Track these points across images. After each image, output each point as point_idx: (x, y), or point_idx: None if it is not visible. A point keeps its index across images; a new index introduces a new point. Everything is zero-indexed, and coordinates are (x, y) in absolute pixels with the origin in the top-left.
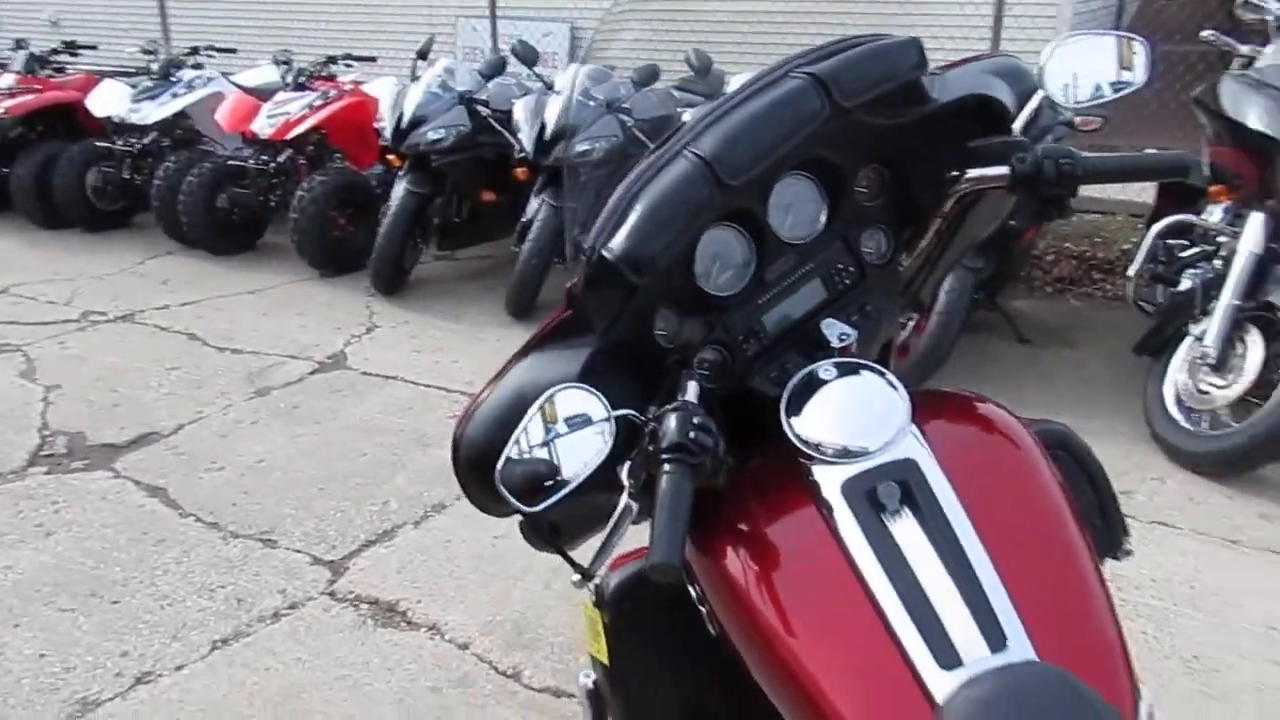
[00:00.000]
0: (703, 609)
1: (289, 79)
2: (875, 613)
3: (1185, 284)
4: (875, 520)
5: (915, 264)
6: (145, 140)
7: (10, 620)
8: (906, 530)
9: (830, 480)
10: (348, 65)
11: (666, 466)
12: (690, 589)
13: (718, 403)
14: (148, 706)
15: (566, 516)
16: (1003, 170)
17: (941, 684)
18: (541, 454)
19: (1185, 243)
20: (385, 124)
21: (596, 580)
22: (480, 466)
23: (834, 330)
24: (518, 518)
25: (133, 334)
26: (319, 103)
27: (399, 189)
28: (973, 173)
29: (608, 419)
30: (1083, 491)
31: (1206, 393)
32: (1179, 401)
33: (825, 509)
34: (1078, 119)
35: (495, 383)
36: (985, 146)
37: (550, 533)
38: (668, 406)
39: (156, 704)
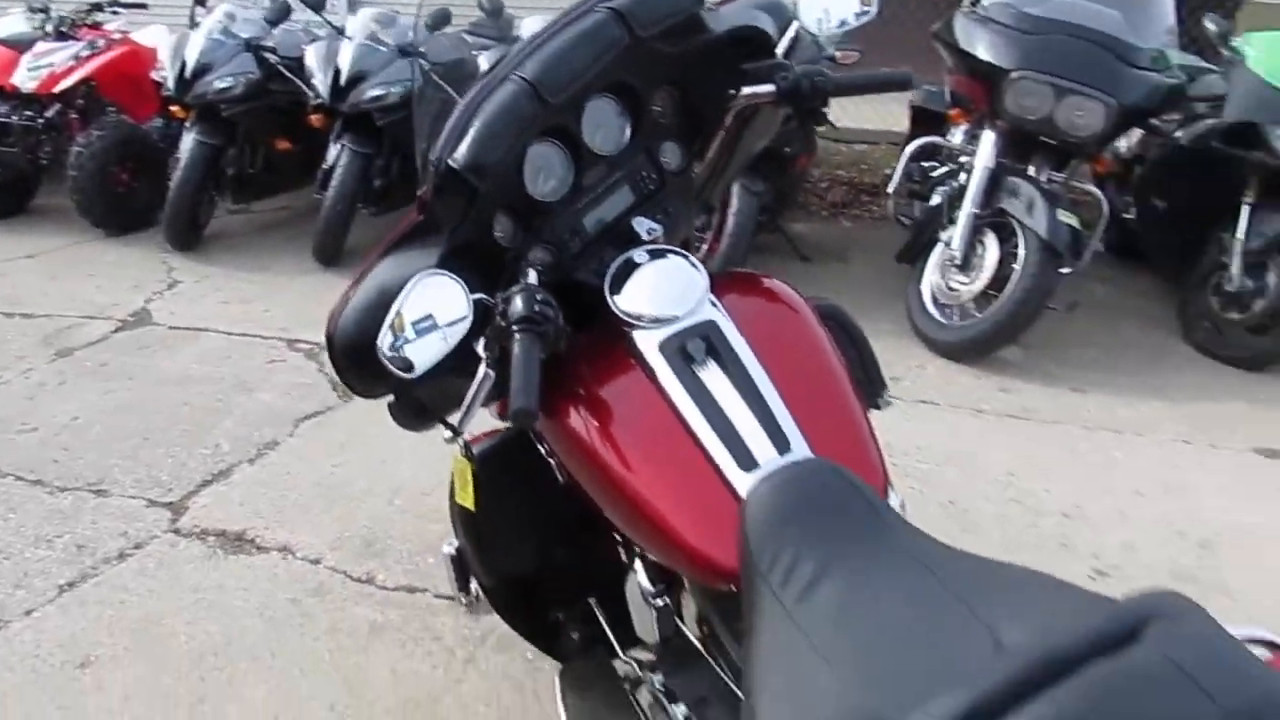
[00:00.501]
0: (552, 461)
1: (49, 28)
2: (690, 437)
3: (935, 199)
4: (686, 369)
5: (705, 172)
6: None
7: None
8: (711, 374)
9: (648, 342)
10: (114, 12)
11: (517, 335)
12: (540, 446)
13: (551, 292)
14: (3, 650)
15: (432, 397)
16: (769, 87)
17: (743, 482)
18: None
19: (936, 164)
20: (166, 74)
21: (465, 436)
22: (355, 355)
23: (643, 226)
24: (386, 404)
25: None
26: (87, 53)
27: (188, 140)
28: (746, 90)
29: (465, 300)
30: (849, 351)
31: (955, 290)
32: (934, 299)
33: (645, 365)
34: (838, 54)
35: (357, 284)
36: (755, 69)
37: (419, 411)
38: (513, 288)
39: (11, 647)
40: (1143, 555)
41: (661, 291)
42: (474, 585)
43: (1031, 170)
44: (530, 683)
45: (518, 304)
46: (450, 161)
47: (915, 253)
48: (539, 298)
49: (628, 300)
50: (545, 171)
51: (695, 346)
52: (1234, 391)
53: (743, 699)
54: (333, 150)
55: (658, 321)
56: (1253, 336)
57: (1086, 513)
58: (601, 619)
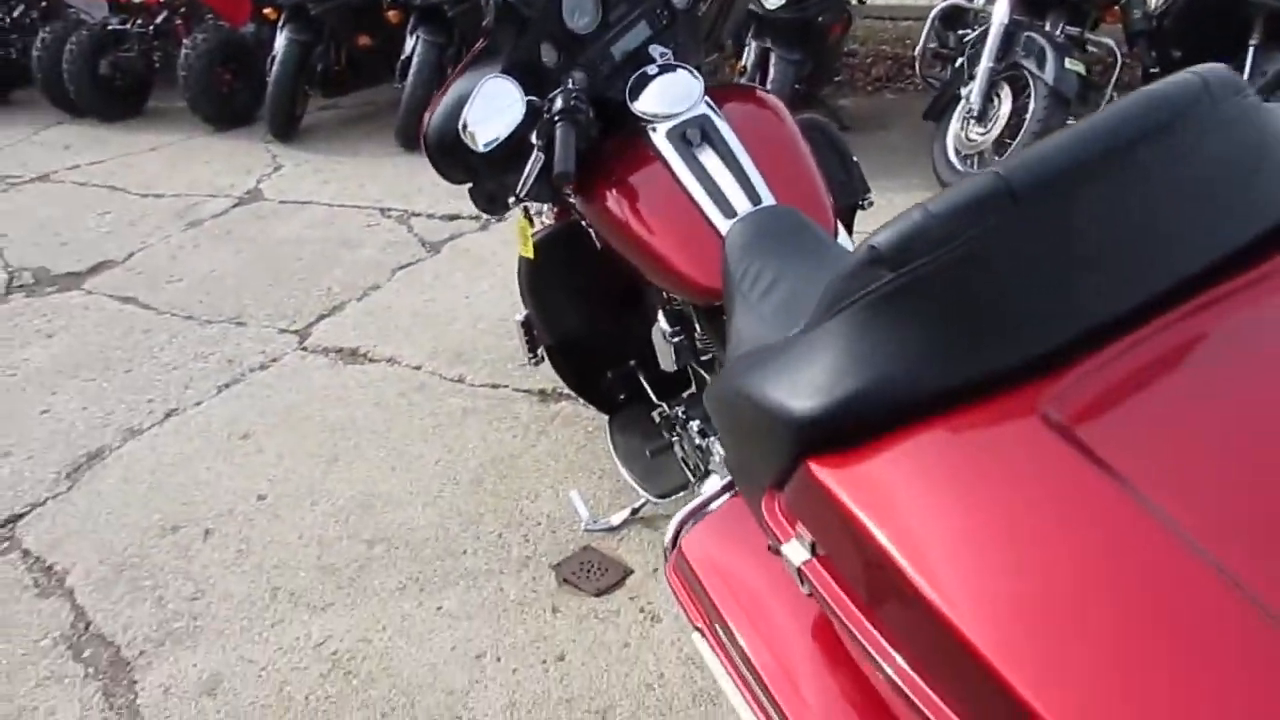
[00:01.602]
0: (591, 231)
1: None
2: (687, 197)
3: (960, 59)
4: (687, 150)
5: (712, 10)
6: (12, 15)
7: (47, 390)
8: (704, 154)
9: (659, 133)
10: None
11: (559, 122)
12: (582, 222)
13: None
14: (181, 430)
15: (500, 184)
16: None
17: (725, 225)
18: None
19: (967, 31)
20: None
21: (524, 204)
22: (441, 144)
23: (657, 51)
24: (468, 190)
25: (54, 191)
26: None
27: (281, 39)
28: None
29: (520, 97)
30: (830, 157)
31: (973, 140)
32: (956, 151)
33: (655, 150)
34: None
35: (441, 95)
36: None
37: (492, 196)
38: (555, 91)
39: (187, 427)
40: None
41: (667, 94)
42: (540, 351)
43: (1047, 25)
44: (590, 444)
45: (558, 101)
46: None
47: (939, 109)
48: (575, 97)
49: (642, 103)
50: (579, 9)
51: (692, 134)
52: None
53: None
54: (409, 42)
55: (664, 116)
56: None
57: None
58: (641, 378)
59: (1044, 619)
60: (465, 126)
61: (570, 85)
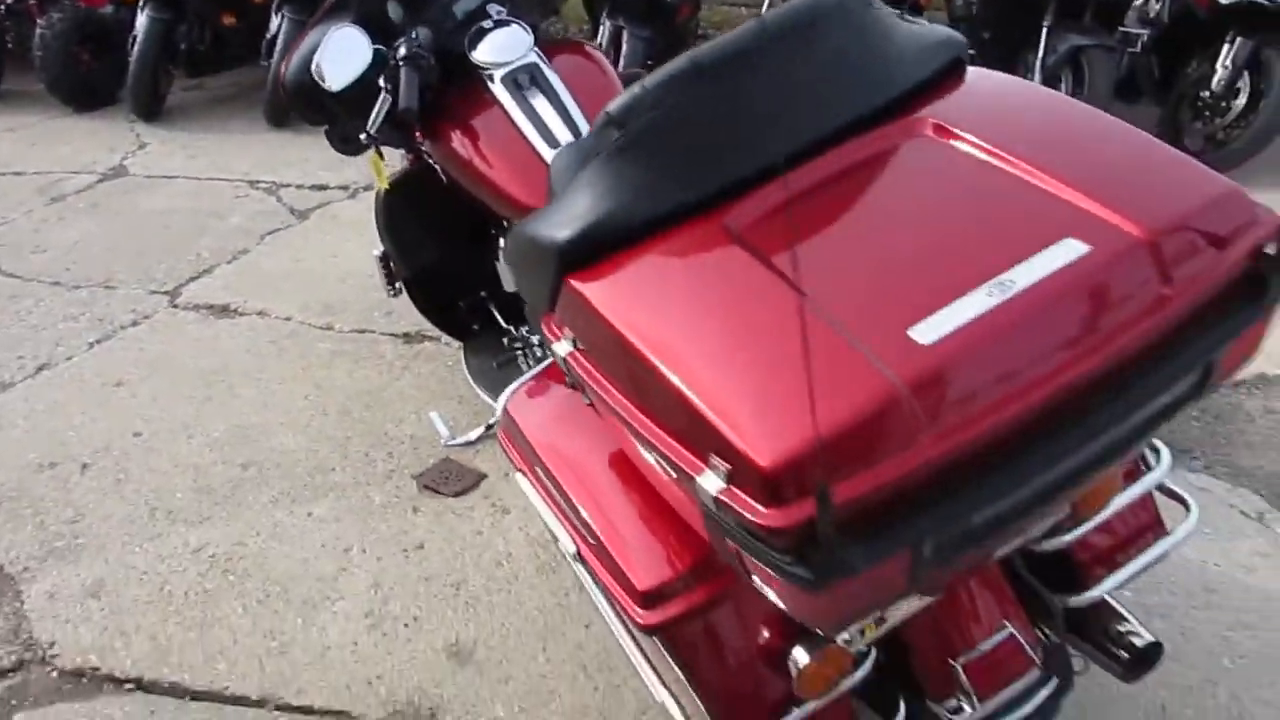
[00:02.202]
0: (437, 167)
1: None
2: (517, 131)
3: None
4: (518, 92)
5: None
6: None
7: None
8: (533, 95)
9: (495, 80)
10: None
11: (403, 67)
12: (430, 161)
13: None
14: (53, 381)
15: (351, 128)
16: None
17: (549, 154)
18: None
19: None
20: None
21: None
22: (298, 89)
23: (493, 9)
24: (324, 133)
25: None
26: None
27: (143, 18)
28: None
29: (367, 44)
30: None
31: None
32: None
33: (490, 94)
34: None
35: (296, 45)
36: None
37: (345, 138)
38: (399, 40)
39: (60, 379)
40: None
41: (501, 45)
42: (398, 284)
43: None
44: (450, 376)
45: (402, 49)
46: None
47: None
48: (418, 45)
49: (480, 53)
50: None
51: (523, 79)
52: None
53: None
54: (274, 21)
55: (498, 65)
56: None
57: None
58: (491, 306)
59: (707, 359)
60: (318, 69)
61: (414, 36)
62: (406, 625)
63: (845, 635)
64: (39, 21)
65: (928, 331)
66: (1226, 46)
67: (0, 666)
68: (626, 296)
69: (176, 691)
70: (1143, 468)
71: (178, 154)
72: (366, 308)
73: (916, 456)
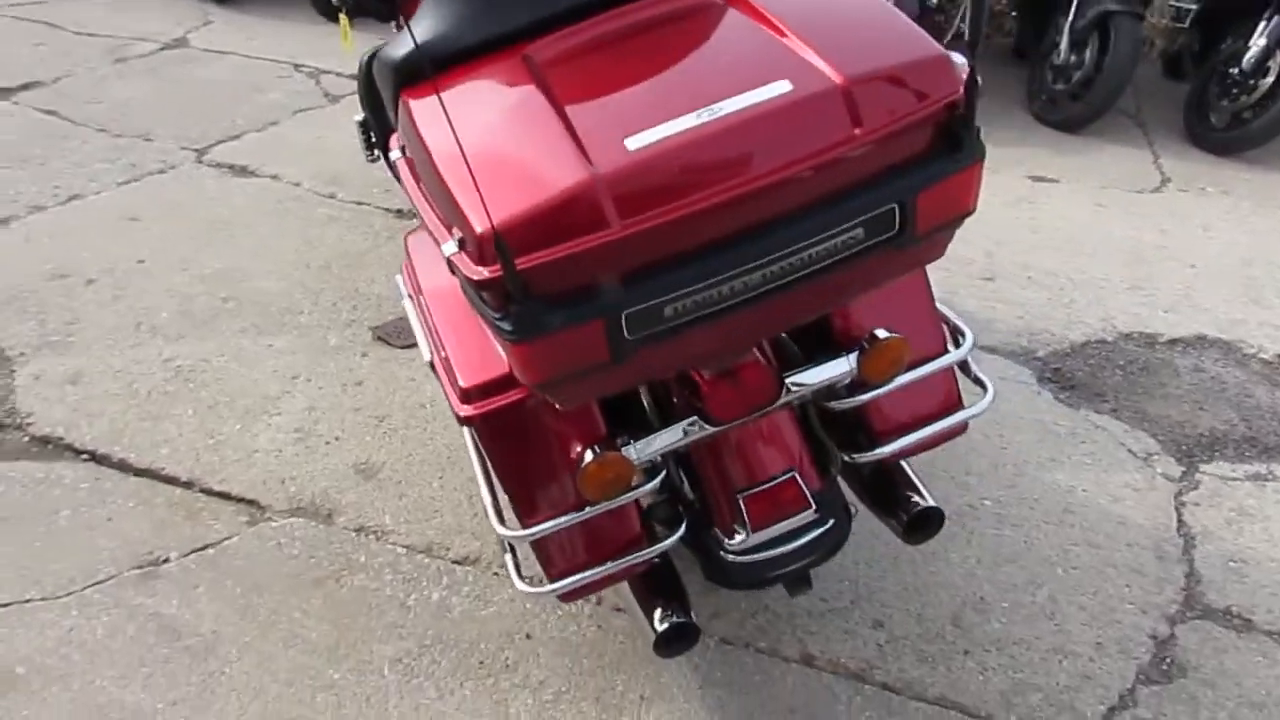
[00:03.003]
0: None
1: None
2: None
3: None
4: None
5: None
6: None
7: None
8: None
9: None
10: None
11: None
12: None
13: None
14: (80, 210)
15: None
16: None
17: None
18: None
19: None
20: None
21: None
22: None
23: None
24: None
25: None
26: None
27: None
28: None
29: None
30: None
31: None
32: None
33: None
34: None
35: None
36: None
37: (325, 7)
38: None
39: (86, 208)
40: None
41: None
42: (376, 151)
43: None
44: None
45: None
46: None
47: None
48: None
49: None
50: None
51: None
52: (1037, 139)
53: None
54: None
55: None
56: (1071, 103)
57: None
58: None
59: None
60: None
61: None
62: (328, 443)
63: (631, 449)
64: None
65: (638, 141)
66: (1263, 23)
67: None
68: (433, 109)
69: (123, 467)
70: (949, 349)
71: (236, 34)
72: (368, 184)
73: (605, 238)
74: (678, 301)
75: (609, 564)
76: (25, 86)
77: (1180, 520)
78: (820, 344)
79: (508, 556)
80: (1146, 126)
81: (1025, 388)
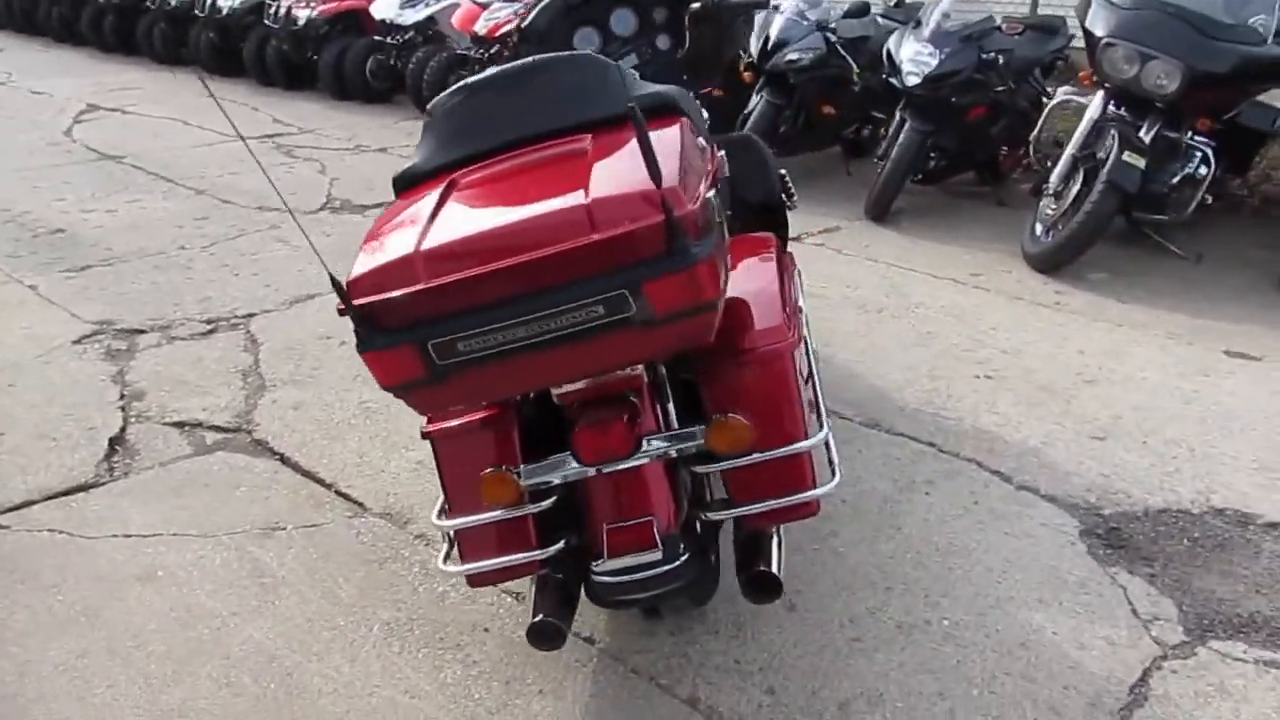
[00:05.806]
0: None
1: None
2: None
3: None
4: None
5: (685, 57)
6: (406, 37)
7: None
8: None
9: None
10: None
11: None
12: None
13: None
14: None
15: None
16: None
17: None
18: None
19: None
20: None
21: None
22: None
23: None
24: None
25: (384, 159)
26: (521, 9)
27: (758, 101)
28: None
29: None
30: (759, 167)
31: (1049, 214)
32: (1040, 223)
33: None
34: None
35: None
36: None
37: None
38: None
39: None
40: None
41: None
42: None
43: (1145, 126)
44: None
45: None
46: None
47: (1037, 187)
48: None
49: None
50: (586, 41)
51: None
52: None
53: None
54: (754, 99)
55: None
56: None
57: (1021, 350)
58: None
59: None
60: None
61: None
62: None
63: (518, 472)
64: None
65: (455, 233)
66: None
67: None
68: (395, 207)
69: (295, 467)
70: (809, 435)
71: None
72: None
73: (413, 289)
74: (468, 339)
75: (501, 559)
76: (379, 205)
77: (1142, 680)
78: (691, 413)
79: (445, 544)
80: None
81: (1060, 536)
